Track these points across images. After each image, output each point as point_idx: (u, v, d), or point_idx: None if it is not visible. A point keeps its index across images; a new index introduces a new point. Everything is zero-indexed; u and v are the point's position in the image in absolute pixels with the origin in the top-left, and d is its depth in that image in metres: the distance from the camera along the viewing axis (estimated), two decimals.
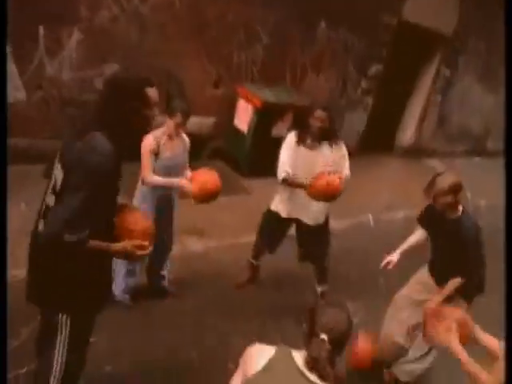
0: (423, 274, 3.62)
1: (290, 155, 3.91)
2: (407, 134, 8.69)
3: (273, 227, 4.22)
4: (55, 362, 2.31)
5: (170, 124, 3.46)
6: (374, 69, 7.40)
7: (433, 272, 3.53)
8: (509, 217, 2.82)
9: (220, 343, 3.73)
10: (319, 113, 3.76)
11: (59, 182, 2.09)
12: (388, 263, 3.62)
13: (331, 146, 3.86)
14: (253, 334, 3.89)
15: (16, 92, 4.65)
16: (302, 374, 1.87)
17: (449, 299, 3.25)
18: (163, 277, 4.00)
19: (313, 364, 1.87)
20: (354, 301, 4.67)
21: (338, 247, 4.90)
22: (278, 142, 6.37)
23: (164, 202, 3.64)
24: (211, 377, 3.40)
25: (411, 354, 3.59)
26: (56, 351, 2.29)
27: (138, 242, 2.21)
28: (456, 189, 3.10)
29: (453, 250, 3.25)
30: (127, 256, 2.26)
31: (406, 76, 8.10)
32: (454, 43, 8.19)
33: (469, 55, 8.58)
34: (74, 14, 4.84)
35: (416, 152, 8.84)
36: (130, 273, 3.75)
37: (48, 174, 2.23)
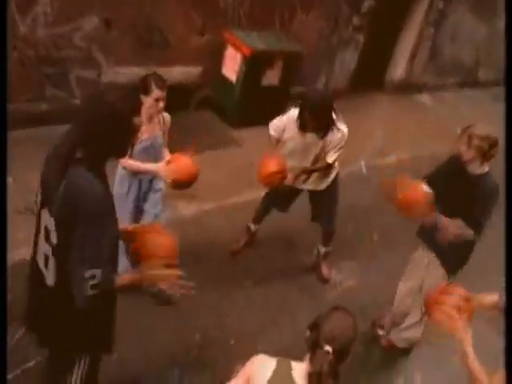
0: None
1: (287, 125, 3.78)
2: (398, 69, 8.43)
3: (281, 196, 4.13)
4: None
5: (149, 102, 3.21)
6: (367, 4, 7.01)
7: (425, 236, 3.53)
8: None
9: (220, 320, 3.74)
10: (311, 116, 3.55)
11: (54, 234, 1.92)
12: None
13: (324, 134, 3.70)
14: (253, 307, 3.95)
15: None
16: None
17: None
18: None
19: (314, 379, 1.86)
20: (350, 260, 4.75)
21: None
22: (267, 91, 6.21)
23: (144, 185, 3.52)
24: (214, 355, 3.47)
25: (407, 321, 3.68)
26: None
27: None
28: (492, 142, 2.99)
29: (465, 207, 3.13)
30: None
31: (398, 10, 7.72)
32: None
33: None
34: None
35: (407, 87, 8.63)
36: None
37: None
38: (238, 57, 5.74)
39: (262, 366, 1.98)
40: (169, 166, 3.24)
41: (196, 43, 5.71)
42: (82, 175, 1.85)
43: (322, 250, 4.41)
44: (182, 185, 3.28)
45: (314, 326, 1.98)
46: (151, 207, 3.62)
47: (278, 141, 3.89)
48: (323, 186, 4.04)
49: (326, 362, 1.85)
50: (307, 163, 3.84)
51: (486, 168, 3.11)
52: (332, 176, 4.02)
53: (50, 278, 2.00)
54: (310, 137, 3.72)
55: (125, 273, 2.11)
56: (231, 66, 5.88)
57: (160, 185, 3.60)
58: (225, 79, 5.98)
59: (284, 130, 3.81)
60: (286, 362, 1.97)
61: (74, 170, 1.84)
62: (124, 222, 3.48)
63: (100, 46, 5.01)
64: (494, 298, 2.47)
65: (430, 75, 9.00)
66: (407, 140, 7.26)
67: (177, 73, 5.80)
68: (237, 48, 5.76)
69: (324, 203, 4.13)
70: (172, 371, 3.29)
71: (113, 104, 1.86)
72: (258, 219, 4.41)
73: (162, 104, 3.28)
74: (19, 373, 3.01)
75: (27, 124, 4.73)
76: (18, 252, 3.75)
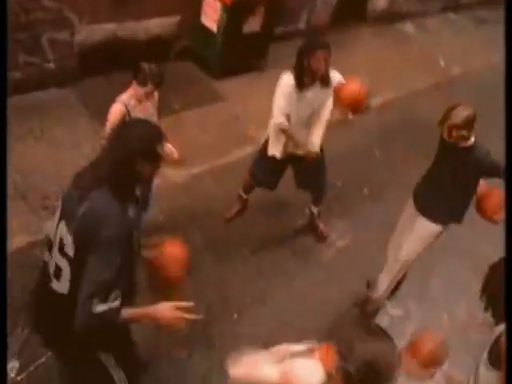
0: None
1: (286, 101, 3.65)
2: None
3: (269, 171, 4.08)
4: None
5: (139, 91, 3.16)
6: None
7: (417, 198, 3.63)
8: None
9: (222, 295, 3.82)
10: (321, 53, 3.45)
11: (70, 248, 1.95)
12: None
13: (328, 82, 3.62)
14: (252, 277, 4.03)
15: None
16: None
17: None
18: None
19: None
20: (342, 218, 4.83)
21: None
22: (249, 38, 5.94)
23: None
24: (219, 331, 3.58)
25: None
26: None
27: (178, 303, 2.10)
28: (470, 122, 3.10)
29: (460, 177, 3.29)
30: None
31: None
32: None
33: None
34: None
35: (389, 17, 8.35)
36: None
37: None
38: (218, 5, 5.43)
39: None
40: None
41: None
42: (106, 202, 1.91)
43: (315, 210, 4.46)
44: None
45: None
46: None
47: (289, 119, 3.72)
48: (316, 147, 3.95)
49: None
50: (319, 119, 3.78)
51: (472, 139, 3.19)
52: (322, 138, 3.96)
53: (63, 287, 2.04)
54: (312, 92, 3.63)
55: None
56: (211, 15, 5.57)
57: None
58: (204, 29, 5.69)
59: (289, 105, 3.67)
60: None
61: (98, 195, 1.91)
62: None
63: (71, 5, 4.68)
64: None
65: (413, 2, 8.69)
66: (392, 76, 7.13)
67: (153, 25, 5.51)
68: None
69: (312, 172, 4.10)
70: (180, 350, 3.42)
71: (136, 137, 1.94)
72: (248, 190, 4.40)
73: (154, 95, 3.21)
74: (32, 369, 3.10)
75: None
76: (13, 241, 3.74)
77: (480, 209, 3.38)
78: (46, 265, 2.16)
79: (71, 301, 1.98)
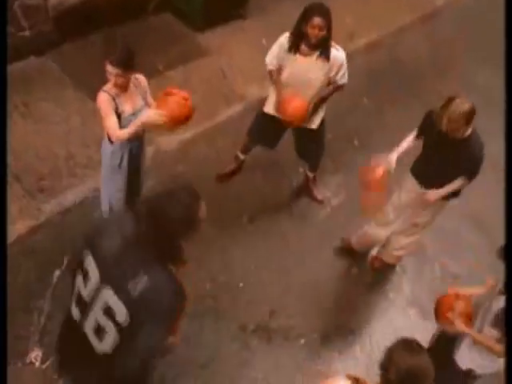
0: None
1: (278, 54, 3.68)
2: None
3: (269, 130, 4.07)
4: None
5: (111, 71, 2.99)
6: None
7: (417, 174, 3.62)
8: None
9: (225, 264, 3.95)
10: (317, 20, 3.38)
11: (123, 317, 1.97)
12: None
13: (327, 55, 3.57)
14: (253, 244, 4.14)
15: None
16: None
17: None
18: None
19: None
20: (335, 174, 4.90)
21: None
22: None
23: (134, 149, 3.41)
24: (227, 301, 3.73)
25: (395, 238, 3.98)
26: None
27: None
28: (470, 116, 3.06)
29: (449, 161, 3.30)
30: None
31: None
32: None
33: None
34: None
35: None
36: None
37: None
38: None
39: None
40: (160, 108, 3.10)
41: None
42: (164, 280, 1.95)
43: (311, 175, 4.52)
44: (178, 121, 3.15)
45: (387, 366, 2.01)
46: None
47: (279, 72, 3.73)
48: (316, 124, 3.99)
49: None
50: (312, 92, 3.74)
51: (468, 131, 3.16)
52: (322, 114, 3.95)
53: (105, 347, 2.08)
54: (307, 60, 3.59)
55: None
56: None
57: None
58: None
59: (280, 59, 3.67)
60: None
61: (152, 274, 1.93)
62: (119, 192, 3.52)
63: None
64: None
65: None
66: (376, 14, 6.93)
67: None
68: None
69: (312, 142, 4.13)
70: (192, 324, 3.58)
71: (174, 209, 1.92)
72: (246, 150, 4.41)
73: (140, 83, 3.13)
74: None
75: None
76: (15, 227, 3.75)
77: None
78: (70, 312, 2.20)
79: (111, 359, 2.09)
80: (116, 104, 3.05)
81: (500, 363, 2.73)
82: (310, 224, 4.40)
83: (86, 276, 2.08)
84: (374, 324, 3.88)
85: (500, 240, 4.27)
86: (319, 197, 4.56)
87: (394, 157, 3.47)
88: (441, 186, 3.45)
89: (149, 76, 5.07)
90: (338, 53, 3.61)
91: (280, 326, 3.67)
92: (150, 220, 1.93)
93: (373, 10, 6.95)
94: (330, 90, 3.83)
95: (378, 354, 3.36)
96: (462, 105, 3.00)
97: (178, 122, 3.15)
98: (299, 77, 3.68)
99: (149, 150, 4.06)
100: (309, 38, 3.48)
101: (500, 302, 2.65)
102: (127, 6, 5.26)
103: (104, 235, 2.08)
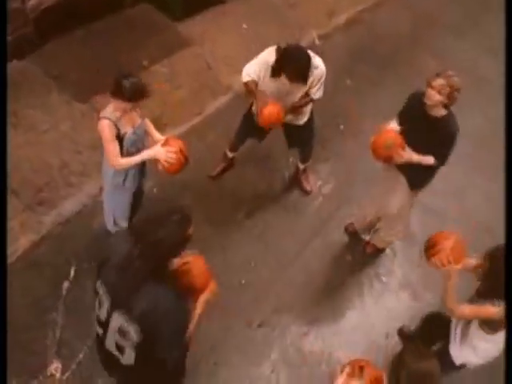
0: None
1: (259, 72, 3.72)
2: None
3: (256, 128, 4.10)
4: None
5: (122, 105, 3.03)
6: None
7: None
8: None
9: (226, 261, 4.07)
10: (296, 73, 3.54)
11: (135, 335, 2.17)
12: None
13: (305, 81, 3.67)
14: (250, 239, 4.29)
15: None
16: None
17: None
18: None
19: None
20: (325, 162, 5.03)
21: None
22: None
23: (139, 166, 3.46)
24: (228, 296, 3.76)
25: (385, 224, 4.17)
26: None
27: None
28: (456, 91, 3.20)
29: (427, 142, 3.43)
30: None
31: None
32: None
33: None
34: None
35: None
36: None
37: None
38: None
39: None
40: (165, 147, 3.19)
41: None
42: (165, 296, 2.11)
43: (301, 166, 4.64)
44: (178, 166, 3.24)
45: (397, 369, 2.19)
46: None
47: (256, 84, 3.77)
48: (303, 120, 4.10)
49: None
50: (287, 105, 3.81)
51: (445, 111, 3.31)
52: (309, 109, 4.05)
53: (128, 361, 2.30)
54: (294, 86, 3.68)
55: None
56: None
57: None
58: None
59: (260, 76, 3.73)
60: None
61: (152, 288, 2.08)
62: (124, 207, 3.61)
63: None
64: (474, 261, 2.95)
65: None
66: None
67: None
68: None
69: (301, 136, 4.24)
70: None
71: (172, 237, 2.09)
72: (234, 148, 4.49)
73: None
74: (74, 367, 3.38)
75: None
76: (20, 243, 3.81)
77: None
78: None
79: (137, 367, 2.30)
80: (117, 128, 3.09)
81: (495, 350, 2.95)
82: (304, 215, 4.54)
83: (100, 300, 2.26)
84: (369, 308, 4.10)
85: (484, 218, 4.51)
86: (308, 188, 4.68)
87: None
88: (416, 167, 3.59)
89: (135, 73, 5.08)
90: (316, 71, 3.66)
91: (281, 318, 3.87)
92: (144, 244, 2.08)
93: None
94: (305, 101, 3.89)
95: (376, 337, 3.60)
96: (450, 78, 3.17)
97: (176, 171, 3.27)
98: (277, 96, 3.73)
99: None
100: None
101: None
102: (104, 0, 5.17)
103: (108, 260, 2.23)
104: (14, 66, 4.69)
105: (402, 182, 3.75)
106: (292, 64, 3.51)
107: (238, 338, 3.71)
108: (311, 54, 3.64)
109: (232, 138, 4.44)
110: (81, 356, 3.40)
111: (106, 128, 3.06)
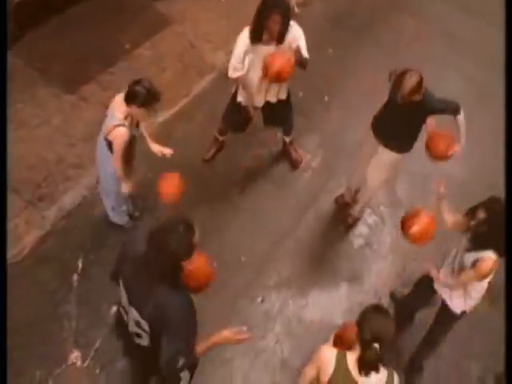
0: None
1: (243, 51, 3.80)
2: None
3: (240, 117, 4.28)
4: None
5: (136, 111, 3.16)
6: None
7: (376, 130, 3.96)
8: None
9: (223, 240, 4.24)
10: (277, 16, 3.55)
11: (146, 327, 2.40)
12: None
13: (279, 43, 3.75)
14: (244, 216, 4.44)
15: None
16: (349, 372, 2.43)
17: None
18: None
19: (365, 367, 2.41)
20: (312, 133, 5.15)
21: None
22: None
23: None
24: (231, 275, 4.04)
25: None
26: None
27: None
28: (420, 84, 3.39)
29: (410, 119, 3.67)
30: None
31: None
32: None
33: None
34: None
35: None
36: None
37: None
38: None
39: (329, 358, 2.46)
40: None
41: None
42: (169, 296, 2.28)
43: (287, 139, 4.77)
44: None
45: (360, 325, 2.43)
46: None
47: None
48: (284, 95, 4.21)
49: (376, 356, 2.38)
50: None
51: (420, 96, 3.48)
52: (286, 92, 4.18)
53: (145, 343, 2.52)
54: (267, 48, 3.74)
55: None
56: None
57: None
58: None
59: (246, 56, 3.80)
60: (343, 353, 2.46)
61: (162, 291, 2.27)
62: (124, 200, 3.76)
63: None
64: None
65: None
66: None
67: None
68: None
69: (281, 109, 4.31)
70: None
71: (179, 247, 2.25)
72: (223, 132, 4.59)
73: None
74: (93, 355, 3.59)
75: None
76: (27, 240, 3.94)
77: (429, 151, 3.80)
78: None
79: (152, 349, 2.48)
80: (129, 133, 3.23)
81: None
82: (295, 189, 4.71)
83: (121, 289, 2.49)
84: (362, 275, 4.36)
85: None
86: (298, 158, 4.82)
87: None
88: (396, 145, 3.86)
89: (119, 58, 5.11)
90: (291, 31, 3.74)
91: (280, 292, 4.10)
92: (155, 250, 2.26)
93: None
94: (302, 60, 3.90)
95: (369, 302, 3.78)
96: (411, 79, 3.33)
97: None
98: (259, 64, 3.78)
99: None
100: (269, 31, 3.65)
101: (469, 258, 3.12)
102: None
103: (127, 255, 2.45)
104: None
105: (383, 154, 3.95)
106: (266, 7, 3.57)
107: (242, 314, 3.94)
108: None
109: (220, 124, 4.53)
110: (97, 344, 3.61)
111: (121, 138, 3.18)
